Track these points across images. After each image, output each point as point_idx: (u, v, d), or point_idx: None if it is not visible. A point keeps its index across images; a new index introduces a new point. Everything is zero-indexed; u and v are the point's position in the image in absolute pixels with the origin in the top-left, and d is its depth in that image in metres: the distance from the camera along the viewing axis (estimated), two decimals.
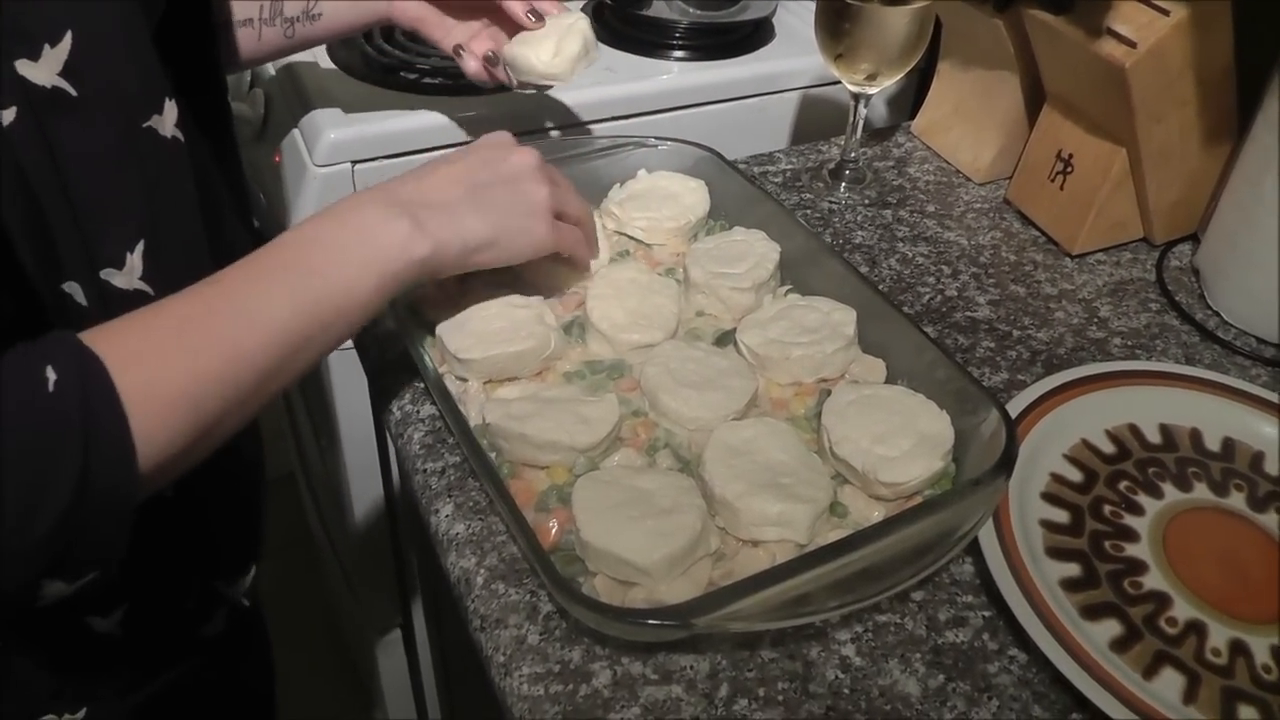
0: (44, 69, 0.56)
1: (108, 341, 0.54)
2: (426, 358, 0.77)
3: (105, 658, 0.72)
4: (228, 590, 0.78)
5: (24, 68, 0.55)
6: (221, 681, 0.85)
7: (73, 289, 0.59)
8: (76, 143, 0.58)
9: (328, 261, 0.64)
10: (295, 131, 1.14)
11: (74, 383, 0.51)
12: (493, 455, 0.73)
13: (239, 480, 0.79)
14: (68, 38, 0.56)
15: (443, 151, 0.79)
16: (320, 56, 1.23)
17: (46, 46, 0.56)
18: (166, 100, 0.63)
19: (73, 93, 0.57)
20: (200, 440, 0.58)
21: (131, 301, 0.61)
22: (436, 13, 0.97)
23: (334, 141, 1.09)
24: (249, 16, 0.93)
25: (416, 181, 0.71)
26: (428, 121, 1.14)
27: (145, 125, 0.62)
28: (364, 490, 1.33)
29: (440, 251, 0.69)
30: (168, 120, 0.63)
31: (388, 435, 0.83)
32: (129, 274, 0.61)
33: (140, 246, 0.62)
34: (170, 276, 0.63)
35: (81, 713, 0.72)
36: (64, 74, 0.56)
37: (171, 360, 0.56)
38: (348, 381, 1.21)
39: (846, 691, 0.63)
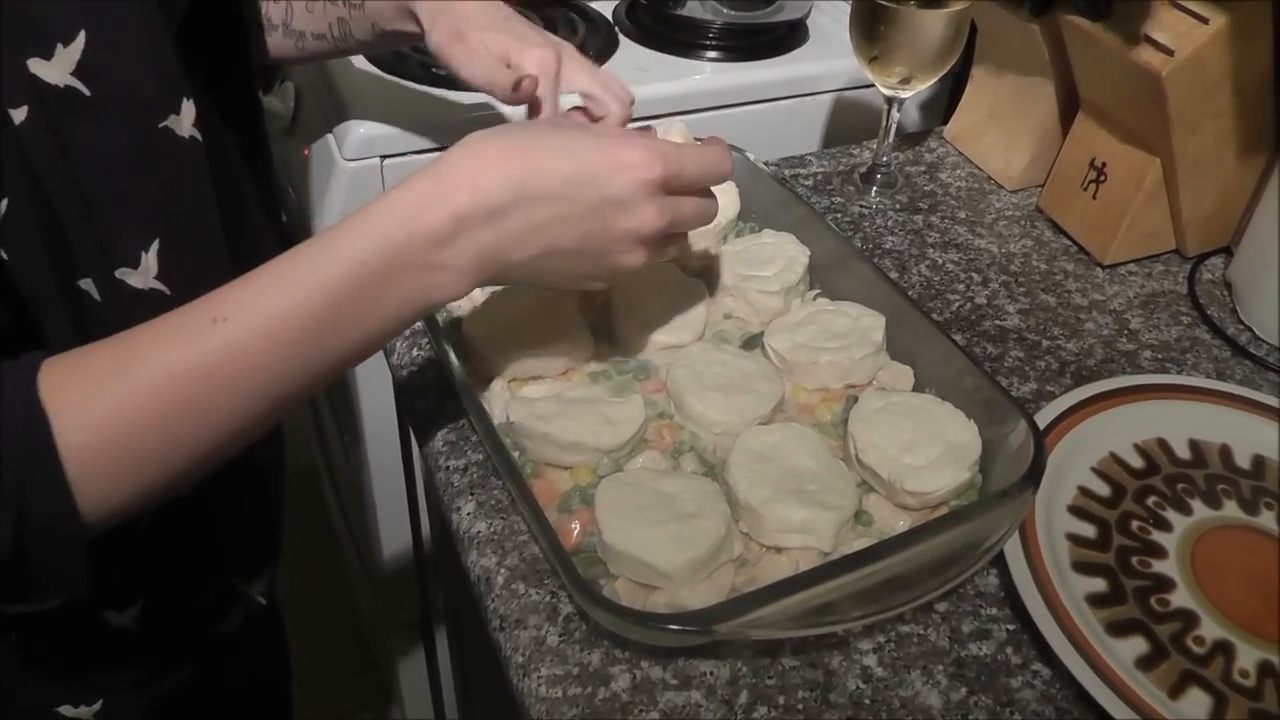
0: (56, 68, 0.55)
1: (73, 399, 0.51)
2: (452, 355, 0.77)
3: (121, 652, 0.72)
4: (245, 588, 0.78)
5: (36, 66, 0.54)
6: (238, 676, 0.85)
7: (88, 285, 0.59)
8: (90, 142, 0.57)
9: (358, 320, 0.58)
10: (325, 126, 1.14)
11: (12, 449, 0.49)
12: (516, 454, 0.73)
13: (257, 481, 0.79)
14: (81, 37, 0.56)
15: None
16: None
17: (59, 45, 0.55)
18: (185, 100, 0.62)
19: (86, 92, 0.56)
20: (171, 488, 0.56)
21: (146, 300, 0.61)
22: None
23: (364, 136, 1.09)
24: (320, 32, 0.93)
25: (498, 229, 0.60)
26: (458, 117, 1.14)
27: (162, 125, 0.61)
28: (386, 486, 1.33)
29: (472, 289, 0.62)
30: (185, 120, 0.62)
31: (411, 432, 0.83)
32: (144, 273, 0.60)
33: (155, 246, 0.61)
34: (186, 276, 0.62)
35: (98, 705, 0.73)
36: (77, 73, 0.56)
37: (144, 429, 0.53)
38: (372, 377, 1.21)
39: (867, 702, 0.63)
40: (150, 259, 0.61)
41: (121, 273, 0.60)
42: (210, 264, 0.65)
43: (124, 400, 0.52)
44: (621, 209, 0.63)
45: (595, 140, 0.63)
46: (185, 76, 0.63)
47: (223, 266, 0.67)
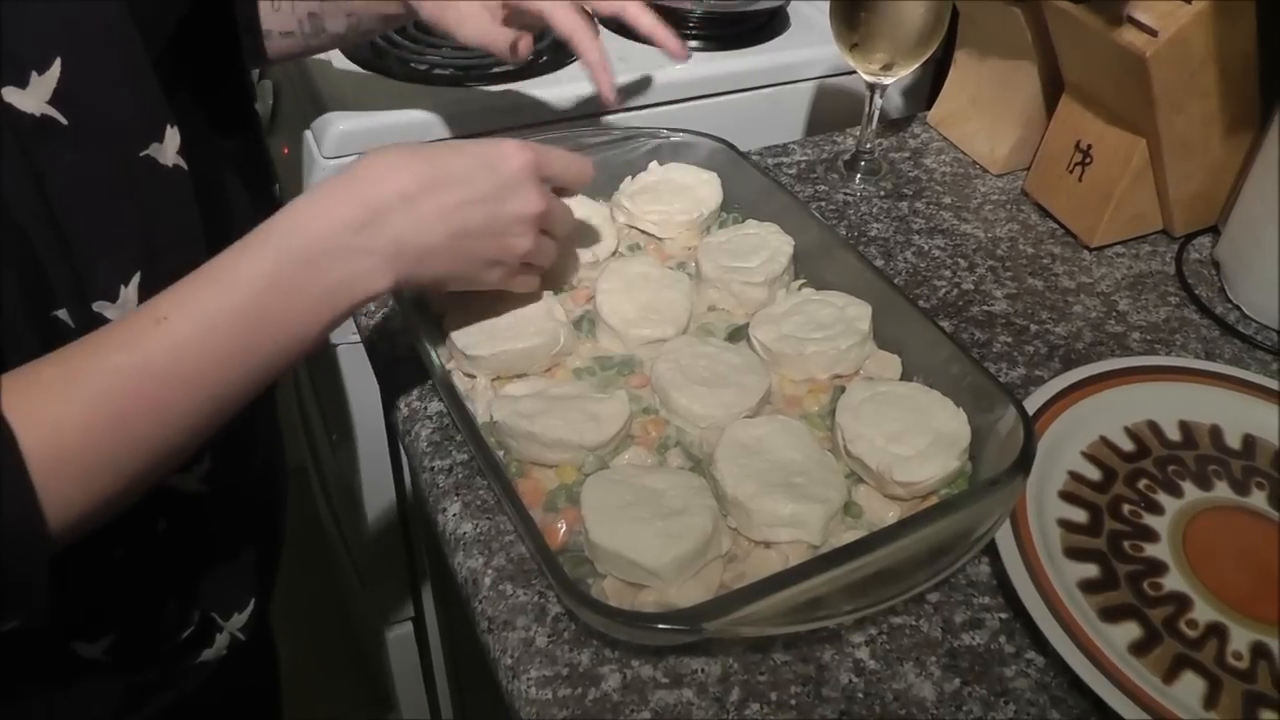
0: (32, 97, 0.54)
1: (29, 409, 0.51)
2: (434, 354, 0.76)
3: (95, 683, 0.70)
4: (224, 623, 0.76)
5: (10, 95, 0.53)
6: (223, 697, 0.83)
7: (63, 315, 0.57)
8: (67, 172, 0.56)
9: (282, 310, 0.59)
10: (303, 123, 1.13)
11: None
12: (500, 453, 0.72)
13: (239, 514, 0.77)
14: (56, 64, 0.54)
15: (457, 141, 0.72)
16: None
17: (34, 73, 0.54)
18: (168, 128, 0.60)
19: (63, 121, 0.55)
20: (126, 493, 0.56)
21: None
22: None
23: (343, 133, 1.08)
24: (288, 29, 0.92)
25: (409, 211, 0.64)
26: (437, 113, 1.13)
27: (143, 154, 0.59)
28: (375, 485, 1.32)
29: (397, 288, 0.65)
30: (169, 148, 0.61)
31: (397, 433, 0.82)
32: (123, 306, 0.59)
33: (136, 279, 0.59)
34: None
35: None
36: (53, 101, 0.54)
37: (97, 433, 0.53)
38: (359, 376, 1.20)
39: (860, 695, 0.62)
40: (130, 292, 0.59)
41: (99, 306, 0.58)
42: None
43: (76, 408, 0.52)
44: (513, 191, 0.69)
45: (475, 140, 0.70)
46: (171, 94, 0.61)
47: None
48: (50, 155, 0.55)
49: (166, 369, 0.55)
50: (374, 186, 0.63)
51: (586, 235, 0.89)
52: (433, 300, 0.82)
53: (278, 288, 0.59)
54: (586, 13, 0.86)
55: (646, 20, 0.91)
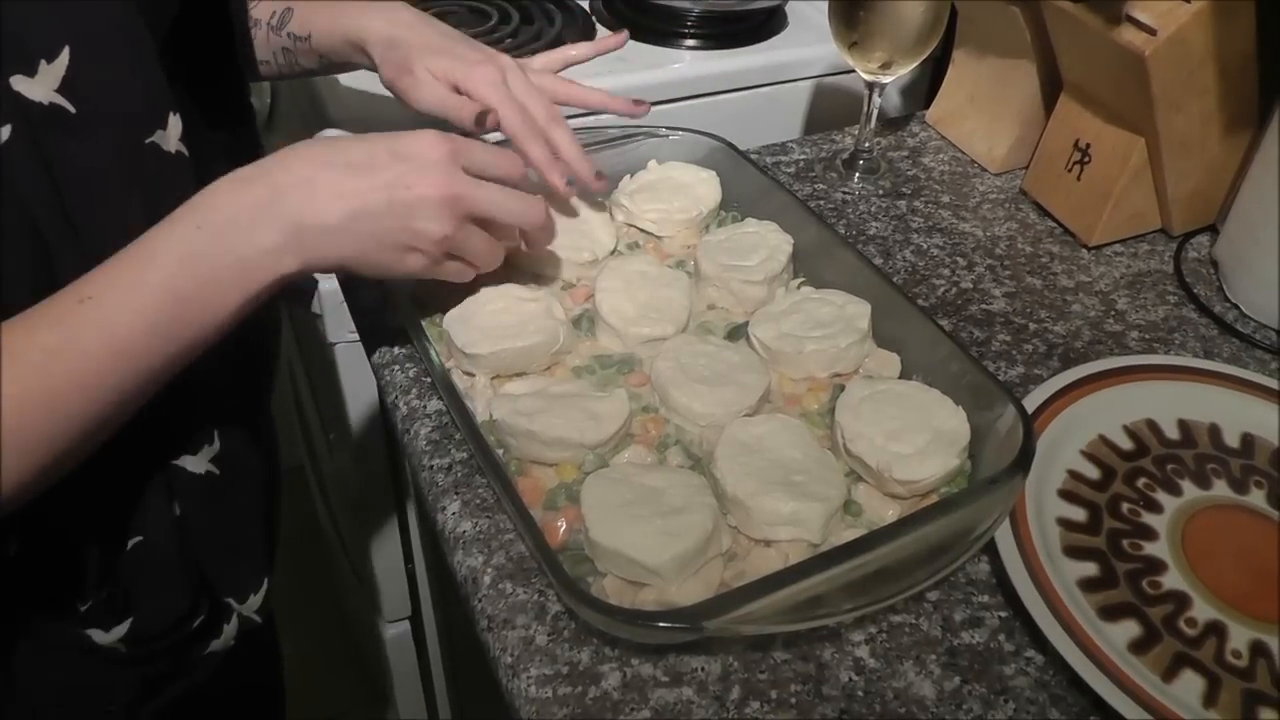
0: (41, 85, 0.55)
1: None
2: (433, 352, 0.76)
3: (109, 671, 0.71)
4: (239, 606, 0.77)
5: (20, 84, 0.54)
6: (229, 690, 0.84)
7: None
8: (76, 160, 0.57)
9: (197, 284, 0.60)
10: (301, 122, 1.13)
11: None
12: (500, 452, 0.72)
13: (248, 497, 0.77)
14: (65, 53, 0.55)
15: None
16: None
17: (43, 62, 0.54)
18: (171, 115, 0.62)
19: (71, 109, 0.56)
20: (59, 465, 0.57)
21: None
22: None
23: (339, 133, 1.08)
24: (264, 59, 0.93)
25: (307, 175, 0.65)
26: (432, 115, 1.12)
27: (149, 141, 0.61)
28: (372, 484, 1.32)
29: (305, 270, 0.65)
30: (172, 135, 0.62)
31: (396, 429, 0.82)
32: None
33: None
34: None
35: None
36: (62, 90, 0.55)
37: (31, 408, 0.54)
38: (356, 374, 1.20)
39: (860, 694, 0.62)
40: None
41: None
42: None
43: (10, 386, 0.53)
44: (418, 174, 0.68)
45: (392, 133, 0.70)
46: (171, 88, 0.62)
47: None
48: (59, 143, 0.56)
49: (94, 346, 0.56)
50: (281, 169, 0.64)
51: (582, 234, 0.89)
52: (432, 298, 0.81)
53: (191, 263, 0.59)
54: (530, 114, 0.86)
55: (595, 98, 0.92)
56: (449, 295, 0.80)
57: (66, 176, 0.57)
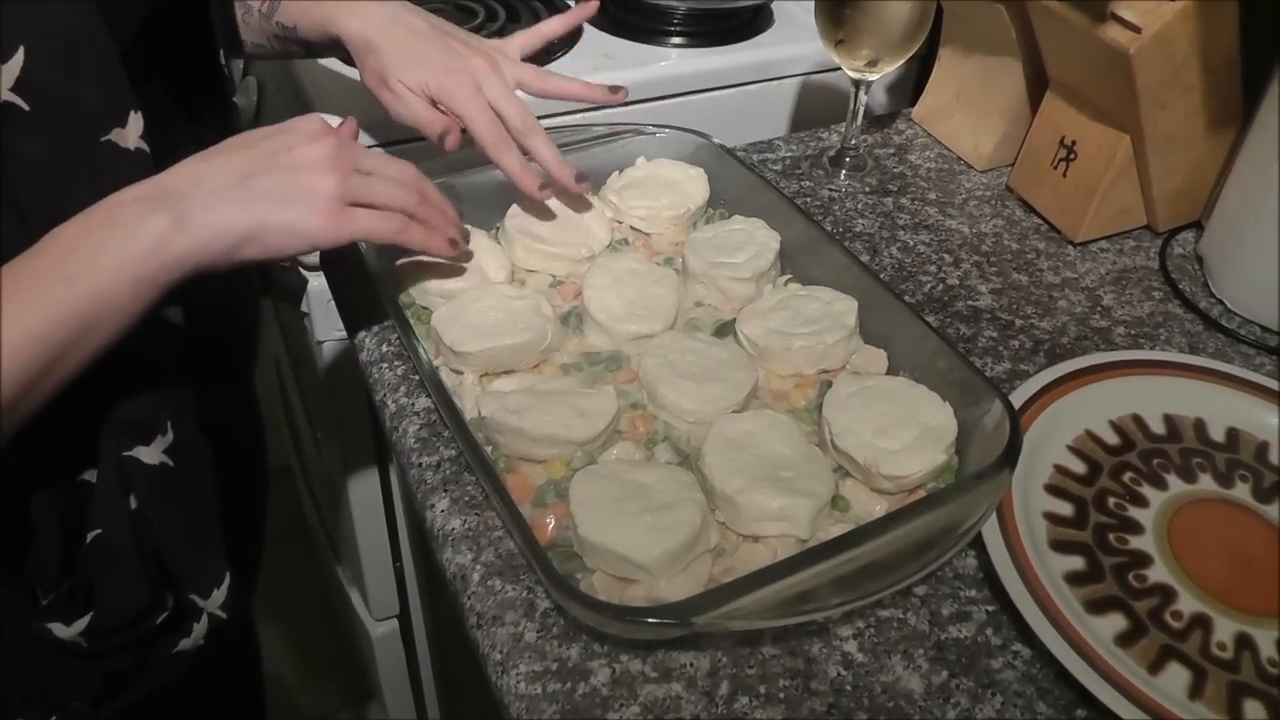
0: None
1: None
2: (421, 350, 0.76)
3: (71, 666, 0.71)
4: (203, 603, 0.75)
5: None
6: (204, 692, 0.83)
7: None
8: (28, 158, 0.57)
9: (81, 268, 0.58)
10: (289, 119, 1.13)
11: None
12: (489, 449, 0.72)
13: (204, 491, 0.76)
14: (20, 53, 0.55)
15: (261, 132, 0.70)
16: None
17: None
18: (132, 113, 0.62)
19: (25, 107, 0.56)
20: None
21: None
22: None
23: None
24: (259, 42, 0.93)
25: (193, 168, 0.64)
26: None
27: (104, 139, 0.60)
28: (360, 482, 1.32)
29: (199, 248, 0.62)
30: (131, 133, 0.62)
31: (384, 427, 0.82)
32: None
33: None
34: None
35: None
36: (16, 89, 0.55)
37: None
38: (344, 373, 1.20)
39: (848, 688, 0.62)
40: None
41: None
42: None
43: None
44: (295, 131, 0.68)
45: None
46: (141, 82, 0.62)
47: None
48: (8, 138, 0.56)
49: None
50: (168, 173, 0.63)
51: (579, 230, 0.90)
52: (420, 295, 0.81)
53: (72, 245, 0.58)
54: (506, 123, 0.85)
55: (574, 88, 0.92)
56: (438, 296, 0.79)
57: (17, 173, 0.57)
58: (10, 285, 0.56)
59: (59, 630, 0.68)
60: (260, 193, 0.65)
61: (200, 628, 0.76)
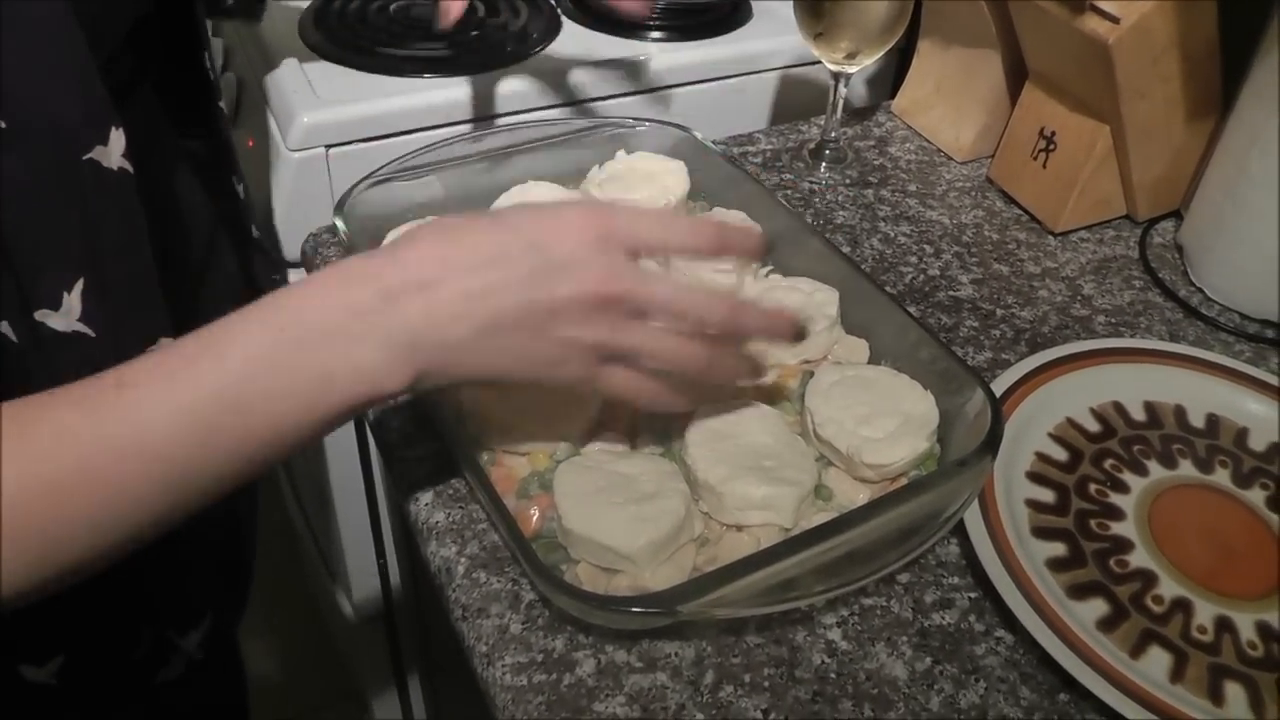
0: None
1: None
2: None
3: (44, 706, 0.67)
4: (180, 641, 0.72)
5: None
6: (186, 714, 0.80)
7: (4, 329, 0.56)
8: (6, 177, 0.54)
9: (272, 396, 0.51)
10: (269, 116, 1.12)
11: None
12: (473, 442, 0.72)
13: (194, 526, 0.74)
14: None
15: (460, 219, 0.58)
16: (294, 37, 1.21)
17: None
18: (113, 130, 0.59)
19: (1, 125, 0.53)
20: (56, 569, 0.48)
21: (69, 343, 0.58)
22: None
23: (307, 125, 1.08)
24: None
25: (425, 300, 0.54)
26: (403, 104, 1.12)
27: (86, 157, 0.57)
28: (343, 478, 1.32)
29: (418, 388, 0.56)
30: (114, 151, 0.59)
31: (366, 422, 0.82)
32: (66, 315, 0.57)
33: (79, 286, 0.57)
34: (113, 317, 0.59)
35: None
36: None
37: (29, 496, 0.45)
38: None
39: (833, 676, 0.62)
40: (73, 300, 0.57)
41: (41, 314, 0.57)
42: (140, 304, 0.62)
43: (9, 466, 0.45)
44: (564, 269, 0.56)
45: (533, 209, 0.59)
46: (126, 93, 0.60)
47: (154, 305, 0.64)
48: None
49: (121, 441, 0.47)
50: (391, 267, 0.54)
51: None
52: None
53: (258, 366, 0.50)
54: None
55: None
56: None
57: None
58: (171, 414, 0.48)
59: (30, 672, 0.65)
60: (505, 348, 0.56)
61: (179, 661, 0.74)
